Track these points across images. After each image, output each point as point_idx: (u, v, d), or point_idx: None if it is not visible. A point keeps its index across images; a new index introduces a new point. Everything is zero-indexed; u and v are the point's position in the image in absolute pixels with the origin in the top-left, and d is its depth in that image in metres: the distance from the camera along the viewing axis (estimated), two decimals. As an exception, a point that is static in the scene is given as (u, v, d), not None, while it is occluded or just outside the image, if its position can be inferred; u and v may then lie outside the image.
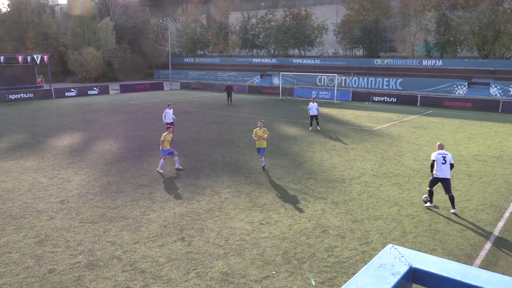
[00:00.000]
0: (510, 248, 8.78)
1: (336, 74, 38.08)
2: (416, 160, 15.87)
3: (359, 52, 53.19)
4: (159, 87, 47.88)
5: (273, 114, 28.24)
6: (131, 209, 10.84)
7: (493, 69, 39.69)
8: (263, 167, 14.56)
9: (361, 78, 43.98)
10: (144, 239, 9.04)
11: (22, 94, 36.85)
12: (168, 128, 14.82)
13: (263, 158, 14.60)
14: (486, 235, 9.37)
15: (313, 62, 51.14)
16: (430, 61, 44.01)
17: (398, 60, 45.78)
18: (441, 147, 10.99)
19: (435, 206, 11.02)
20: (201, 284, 7.30)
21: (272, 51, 58.93)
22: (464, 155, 16.80)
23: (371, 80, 43.55)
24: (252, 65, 55.82)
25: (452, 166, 10.70)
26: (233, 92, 34.47)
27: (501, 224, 9.99)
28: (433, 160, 10.73)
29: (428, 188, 11.00)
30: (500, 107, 30.55)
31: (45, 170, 14.55)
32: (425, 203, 11.06)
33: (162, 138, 14.15)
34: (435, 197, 11.53)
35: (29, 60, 39.01)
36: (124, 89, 44.54)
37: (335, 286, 7.24)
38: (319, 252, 8.48)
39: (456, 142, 19.36)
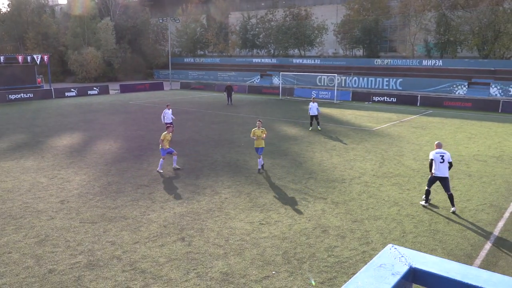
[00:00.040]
0: (510, 248, 8.78)
1: (336, 74, 38.08)
2: (416, 160, 15.88)
3: (359, 52, 53.19)
4: (159, 87, 47.89)
5: (273, 114, 28.24)
6: (131, 209, 10.85)
7: (493, 69, 39.69)
8: (259, 169, 14.20)
9: (361, 78, 43.98)
10: (144, 239, 9.04)
11: (22, 94, 36.85)
12: (168, 127, 14.90)
13: (260, 159, 14.25)
14: (486, 235, 9.37)
15: (313, 62, 51.14)
16: (430, 61, 44.01)
17: (398, 60, 45.79)
18: (439, 146, 11.01)
19: (435, 206, 11.02)
20: (201, 284, 7.30)
21: (272, 51, 58.93)
22: (464, 155, 16.80)
23: (371, 80, 43.55)
24: (252, 65, 55.82)
25: (450, 164, 10.71)
26: (233, 92, 34.47)
27: (501, 224, 9.99)
28: (431, 159, 10.76)
29: (426, 188, 11.03)
30: (500, 107, 30.55)
31: (45, 170, 14.56)
32: (427, 202, 11.12)
33: (162, 137, 14.22)
34: (435, 197, 11.54)
35: (29, 60, 39.01)
36: (124, 89, 44.54)
37: (335, 286, 7.24)
38: (319, 252, 8.48)
39: (456, 142, 19.36)
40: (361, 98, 36.66)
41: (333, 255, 8.36)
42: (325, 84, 45.12)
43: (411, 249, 1.79)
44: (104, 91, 42.84)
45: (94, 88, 42.49)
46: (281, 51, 57.16)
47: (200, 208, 10.92)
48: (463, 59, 43.12)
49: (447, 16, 44.19)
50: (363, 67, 46.76)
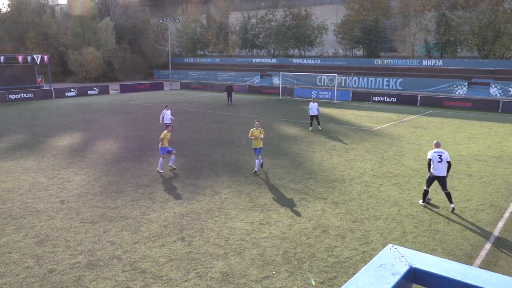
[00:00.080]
0: (510, 248, 8.78)
1: (336, 74, 38.09)
2: (416, 160, 15.88)
3: (359, 52, 53.19)
4: (159, 87, 47.89)
5: (273, 114, 28.24)
6: (131, 209, 10.85)
7: (493, 69, 39.69)
8: (255, 171, 14.09)
9: (361, 78, 43.98)
10: (144, 239, 9.04)
11: (22, 94, 36.86)
12: (167, 127, 14.98)
13: (258, 160, 14.14)
14: (486, 235, 9.37)
15: (313, 62, 51.15)
16: (430, 61, 44.01)
17: (398, 60, 45.79)
18: (437, 145, 11.02)
19: (435, 206, 11.02)
20: (201, 284, 7.30)
21: (272, 51, 58.94)
22: (464, 155, 16.80)
23: (371, 80, 43.55)
24: (252, 65, 55.82)
25: (449, 164, 10.71)
26: (233, 92, 34.48)
27: (501, 224, 9.99)
28: (429, 159, 10.78)
29: (425, 188, 11.04)
30: (500, 107, 30.55)
31: (45, 170, 14.56)
32: (424, 201, 11.16)
33: (162, 136, 14.29)
34: (435, 197, 11.55)
35: (29, 60, 39.02)
36: (124, 89, 44.55)
37: (335, 286, 7.24)
38: (319, 252, 8.48)
39: (456, 142, 19.36)
40: (361, 98, 36.66)
41: (333, 255, 8.36)
42: (325, 84, 45.12)
43: (411, 249, 1.79)
44: (104, 91, 42.84)
45: (94, 88, 42.49)
46: (281, 51, 57.16)
47: (200, 208, 10.92)
48: (463, 59, 43.12)
49: (447, 16, 44.19)
50: (363, 67, 46.76)
